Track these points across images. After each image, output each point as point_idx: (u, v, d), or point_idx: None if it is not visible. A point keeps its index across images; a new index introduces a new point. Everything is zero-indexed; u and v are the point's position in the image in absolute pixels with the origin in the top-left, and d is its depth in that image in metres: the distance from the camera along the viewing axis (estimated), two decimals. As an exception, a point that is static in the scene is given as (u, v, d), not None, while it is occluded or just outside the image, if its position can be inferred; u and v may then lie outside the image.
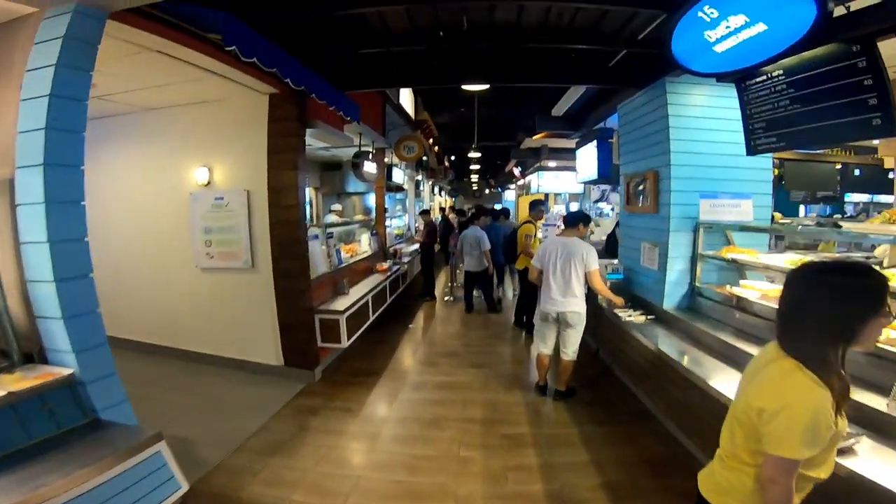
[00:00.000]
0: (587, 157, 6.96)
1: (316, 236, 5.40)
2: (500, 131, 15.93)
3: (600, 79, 5.15)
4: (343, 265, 6.18)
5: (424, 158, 13.34)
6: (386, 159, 8.94)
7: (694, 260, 4.37)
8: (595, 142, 6.57)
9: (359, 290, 6.02)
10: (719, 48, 2.91)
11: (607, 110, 6.19)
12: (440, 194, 19.91)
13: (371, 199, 14.37)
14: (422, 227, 9.42)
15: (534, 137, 9.52)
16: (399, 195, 14.16)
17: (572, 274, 4.21)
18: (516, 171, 13.81)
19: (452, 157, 20.19)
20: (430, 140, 15.39)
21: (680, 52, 3.15)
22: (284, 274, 4.77)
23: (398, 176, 9.55)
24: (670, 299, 4.41)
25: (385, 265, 7.54)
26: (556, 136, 8.68)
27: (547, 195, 13.84)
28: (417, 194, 14.40)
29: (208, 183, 4.99)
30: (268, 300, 4.88)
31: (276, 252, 4.75)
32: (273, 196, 4.67)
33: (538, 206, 6.97)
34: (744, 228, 4.22)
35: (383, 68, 5.25)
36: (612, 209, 15.03)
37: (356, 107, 5.10)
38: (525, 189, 14.25)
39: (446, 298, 9.38)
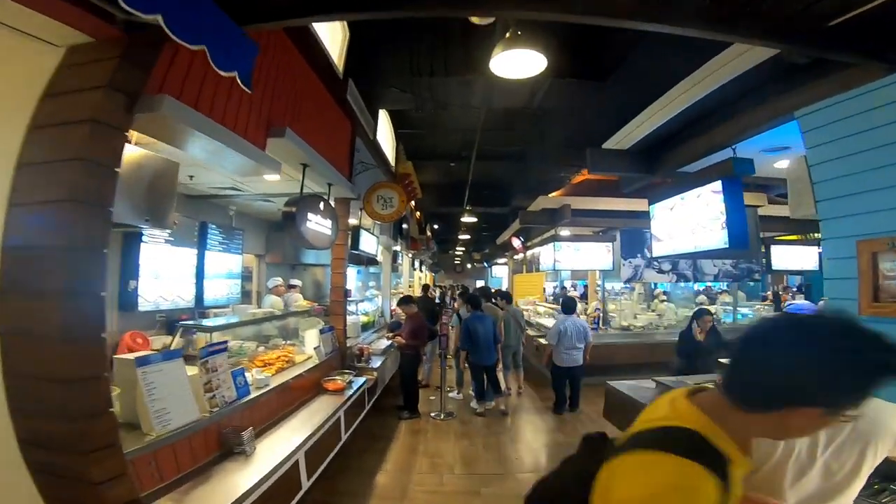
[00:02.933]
0: (681, 216, 4.45)
1: (176, 354, 2.57)
2: (494, 195, 13.76)
3: (811, 41, 2.60)
4: (256, 395, 3.31)
5: (405, 227, 10.83)
6: (353, 220, 6.35)
7: None
8: (711, 187, 4.03)
9: (281, 443, 3.12)
10: None
11: (731, 132, 3.70)
12: (420, 269, 17.36)
13: (353, 275, 11.69)
14: (403, 320, 6.56)
15: (556, 192, 7.20)
16: (372, 269, 11.44)
17: None
18: (516, 243, 11.45)
19: (436, 226, 17.85)
20: (412, 203, 13.04)
21: None
22: (35, 441, 1.85)
23: (369, 243, 6.87)
24: None
25: (340, 380, 4.63)
26: (597, 185, 6.31)
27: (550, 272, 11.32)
28: (394, 269, 11.72)
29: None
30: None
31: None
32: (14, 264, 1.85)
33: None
34: None
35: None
36: (659, 291, 12.44)
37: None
38: (530, 265, 11.75)
39: (435, 415, 6.35)
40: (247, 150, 2.96)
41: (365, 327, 7.36)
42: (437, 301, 16.17)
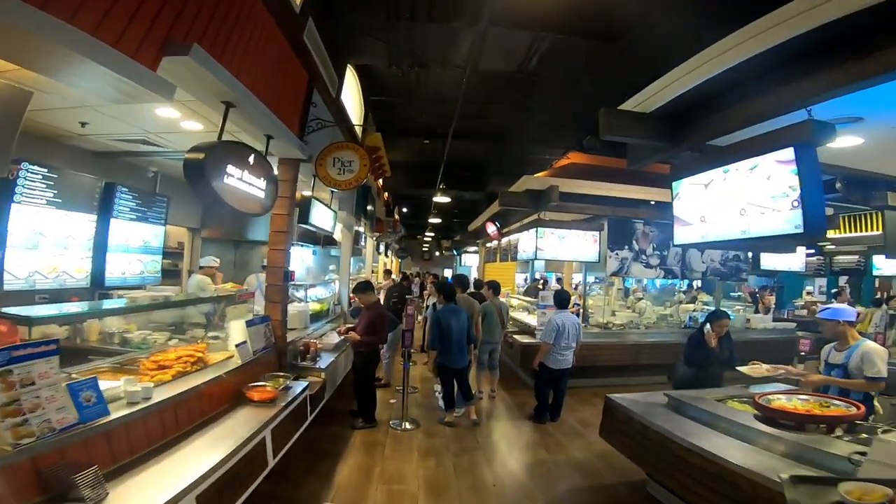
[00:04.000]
0: (723, 193, 3.57)
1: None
2: (469, 177, 12.81)
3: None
4: (121, 415, 2.26)
5: (370, 208, 9.71)
6: (306, 192, 5.23)
7: None
8: (776, 156, 3.13)
9: (158, 483, 2.06)
10: None
11: (805, 91, 2.76)
12: (386, 254, 16.27)
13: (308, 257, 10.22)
14: (361, 310, 5.48)
15: (542, 173, 6.29)
16: (335, 252, 10.28)
17: None
18: (491, 229, 10.53)
19: (405, 209, 16.77)
20: (381, 181, 11.92)
21: None
22: None
23: (323, 218, 5.76)
24: None
25: (271, 387, 3.57)
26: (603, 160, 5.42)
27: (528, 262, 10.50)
28: (356, 252, 10.61)
29: None
30: None
31: None
32: None
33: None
34: None
35: None
36: (636, 287, 11.68)
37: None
38: (505, 253, 10.86)
39: (395, 424, 5.38)
40: (119, 65, 1.88)
41: (317, 317, 6.27)
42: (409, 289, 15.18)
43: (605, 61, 5.37)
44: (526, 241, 8.15)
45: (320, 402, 4.74)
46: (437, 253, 31.09)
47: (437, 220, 14.41)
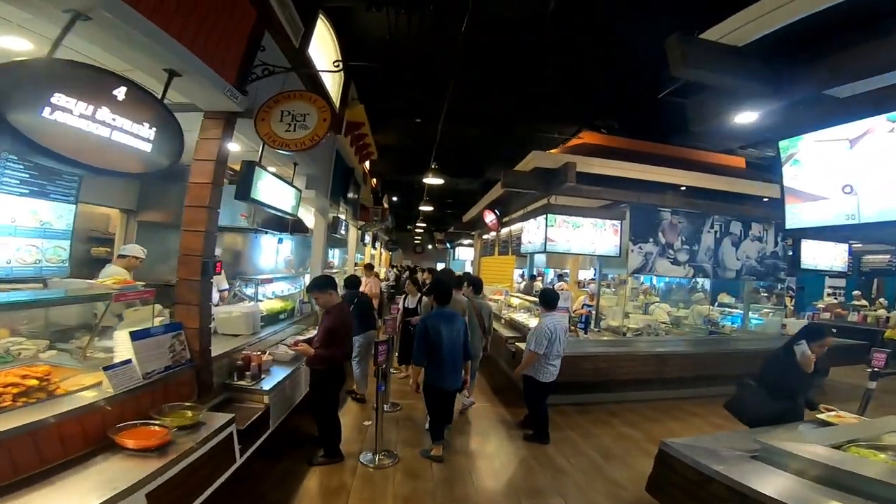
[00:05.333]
0: (884, 153, 2.38)
1: None
2: (464, 163, 11.58)
3: None
4: None
5: (352, 195, 8.50)
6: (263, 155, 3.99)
7: None
8: None
9: None
10: None
11: None
12: (373, 246, 15.02)
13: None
14: (320, 318, 4.20)
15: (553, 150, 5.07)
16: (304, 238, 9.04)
17: None
18: (489, 217, 9.32)
19: (394, 198, 15.52)
20: (367, 164, 10.68)
21: None
22: None
23: (277, 194, 4.53)
24: None
25: (160, 427, 2.36)
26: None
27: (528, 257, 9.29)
28: (339, 242, 9.37)
29: None
30: None
31: None
32: None
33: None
34: None
35: None
36: (647, 286, 10.44)
37: None
38: (505, 246, 9.63)
39: (368, 460, 4.19)
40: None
41: (274, 319, 5.05)
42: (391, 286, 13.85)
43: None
44: (532, 231, 6.93)
45: (263, 434, 3.56)
46: (430, 246, 29.84)
47: (429, 208, 13.15)
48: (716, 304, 9.39)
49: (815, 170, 2.75)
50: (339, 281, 5.84)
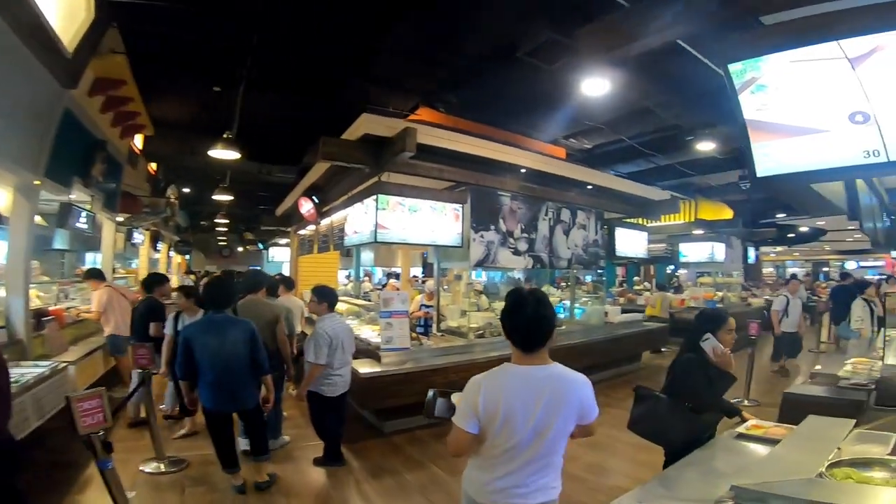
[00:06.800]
0: None
1: None
2: (277, 146, 9.66)
3: None
4: None
5: (104, 179, 6.07)
6: None
7: None
8: None
9: None
10: None
11: None
12: (155, 248, 11.76)
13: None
14: None
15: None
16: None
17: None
18: (306, 207, 7.67)
19: (186, 189, 12.52)
20: (138, 141, 8.01)
21: None
22: None
23: None
24: None
25: None
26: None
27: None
28: (85, 240, 6.64)
29: None
30: None
31: None
32: None
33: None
34: None
35: None
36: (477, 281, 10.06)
37: None
38: (324, 241, 8.09)
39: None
40: None
41: None
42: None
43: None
44: (359, 218, 5.66)
45: None
46: (242, 248, 26.03)
47: (227, 198, 10.73)
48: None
49: (796, 96, 2.16)
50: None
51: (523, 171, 5.95)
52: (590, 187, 6.96)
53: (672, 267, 15.78)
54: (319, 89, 7.05)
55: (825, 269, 29.86)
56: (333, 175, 6.40)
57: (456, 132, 5.42)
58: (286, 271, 13.88)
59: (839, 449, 1.94)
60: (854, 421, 2.44)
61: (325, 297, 3.99)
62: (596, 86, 4.75)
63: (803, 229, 18.10)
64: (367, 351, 5.22)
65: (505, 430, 1.68)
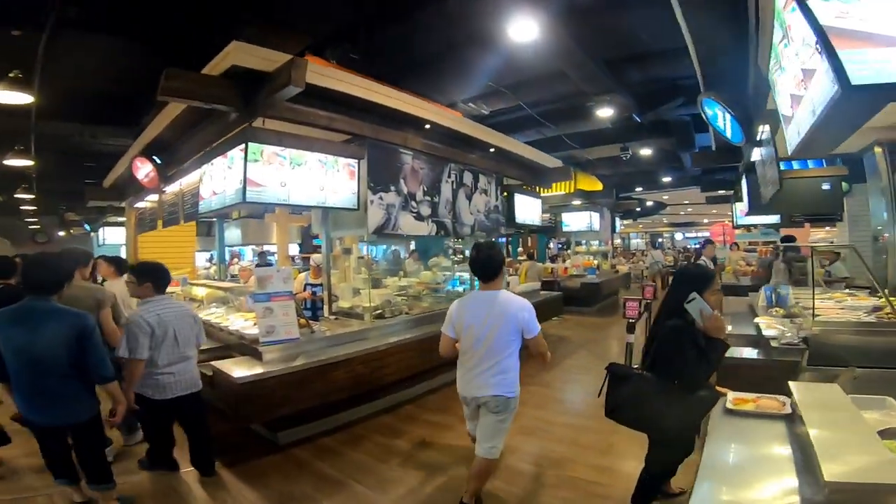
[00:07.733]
0: None
1: None
2: (108, 102, 7.47)
3: None
4: None
5: None
6: None
7: None
8: None
9: None
10: None
11: None
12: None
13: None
14: None
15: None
16: None
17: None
18: (143, 170, 5.87)
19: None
20: None
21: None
22: None
23: None
24: None
25: None
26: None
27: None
28: None
29: None
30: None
31: None
32: None
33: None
34: None
35: None
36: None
37: None
38: (175, 212, 6.36)
39: None
40: None
41: None
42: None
43: None
44: (219, 175, 4.30)
45: None
46: (63, 232, 21.13)
47: (28, 162, 8.10)
48: (436, 268, 8.95)
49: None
50: None
51: (427, 126, 5.16)
52: (492, 150, 6.46)
53: (555, 241, 16.52)
54: (167, 32, 5.42)
55: (660, 239, 34.72)
56: (184, 127, 4.87)
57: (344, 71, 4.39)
58: (124, 255, 11.33)
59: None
60: (836, 384, 2.22)
61: (148, 275, 3.12)
62: (522, 29, 4.18)
63: (649, 204, 20.42)
64: (240, 346, 4.08)
65: (468, 334, 2.64)
